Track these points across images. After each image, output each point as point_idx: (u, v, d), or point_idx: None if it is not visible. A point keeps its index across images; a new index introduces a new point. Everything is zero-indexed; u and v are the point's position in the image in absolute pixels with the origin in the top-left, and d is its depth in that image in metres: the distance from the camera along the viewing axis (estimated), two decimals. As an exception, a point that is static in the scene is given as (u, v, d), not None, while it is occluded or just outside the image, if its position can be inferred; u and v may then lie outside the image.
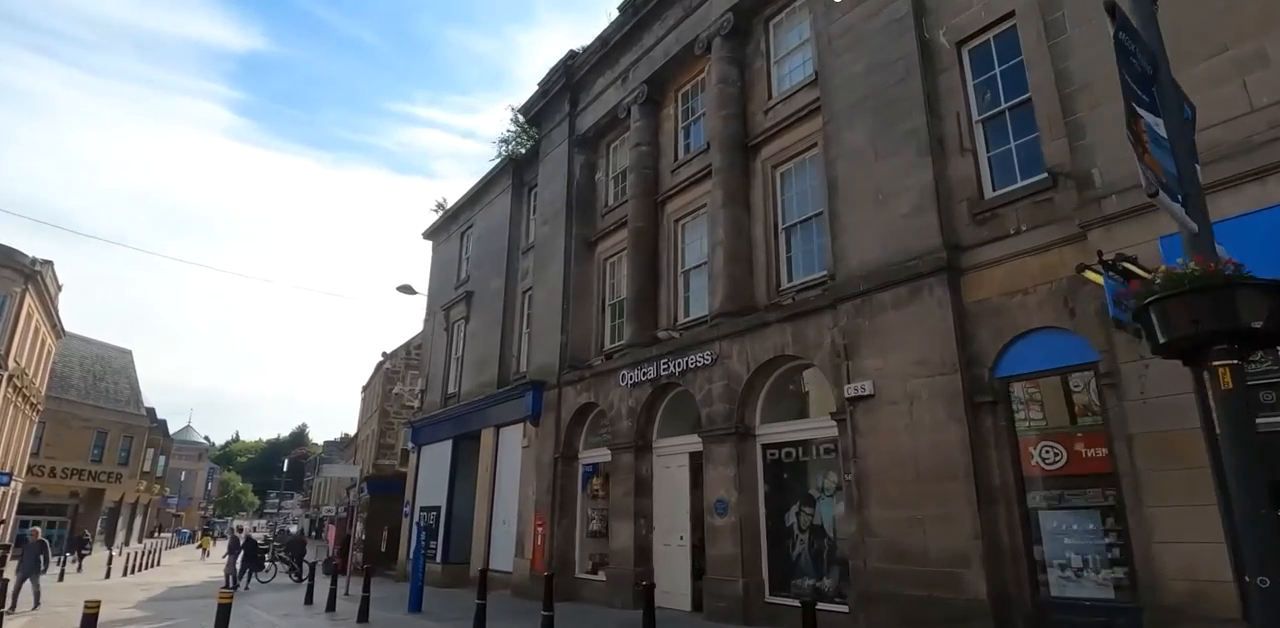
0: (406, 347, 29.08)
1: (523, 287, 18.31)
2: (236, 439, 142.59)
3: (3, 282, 26.26)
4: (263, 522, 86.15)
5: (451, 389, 20.50)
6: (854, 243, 9.22)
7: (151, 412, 48.07)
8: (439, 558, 18.07)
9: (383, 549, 25.25)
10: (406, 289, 21.38)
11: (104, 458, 40.34)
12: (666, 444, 12.34)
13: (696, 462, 11.57)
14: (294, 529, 41.48)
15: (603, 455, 13.85)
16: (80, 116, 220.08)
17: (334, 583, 13.93)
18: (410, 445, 21.82)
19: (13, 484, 29.61)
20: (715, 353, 11.00)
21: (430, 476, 20.28)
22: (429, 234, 24.18)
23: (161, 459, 54.10)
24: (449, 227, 23.03)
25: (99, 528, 40.55)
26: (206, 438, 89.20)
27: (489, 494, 16.76)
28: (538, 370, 15.64)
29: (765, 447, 10.38)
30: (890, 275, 8.57)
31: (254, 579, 21.29)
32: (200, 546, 46.31)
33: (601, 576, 12.93)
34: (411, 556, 13.07)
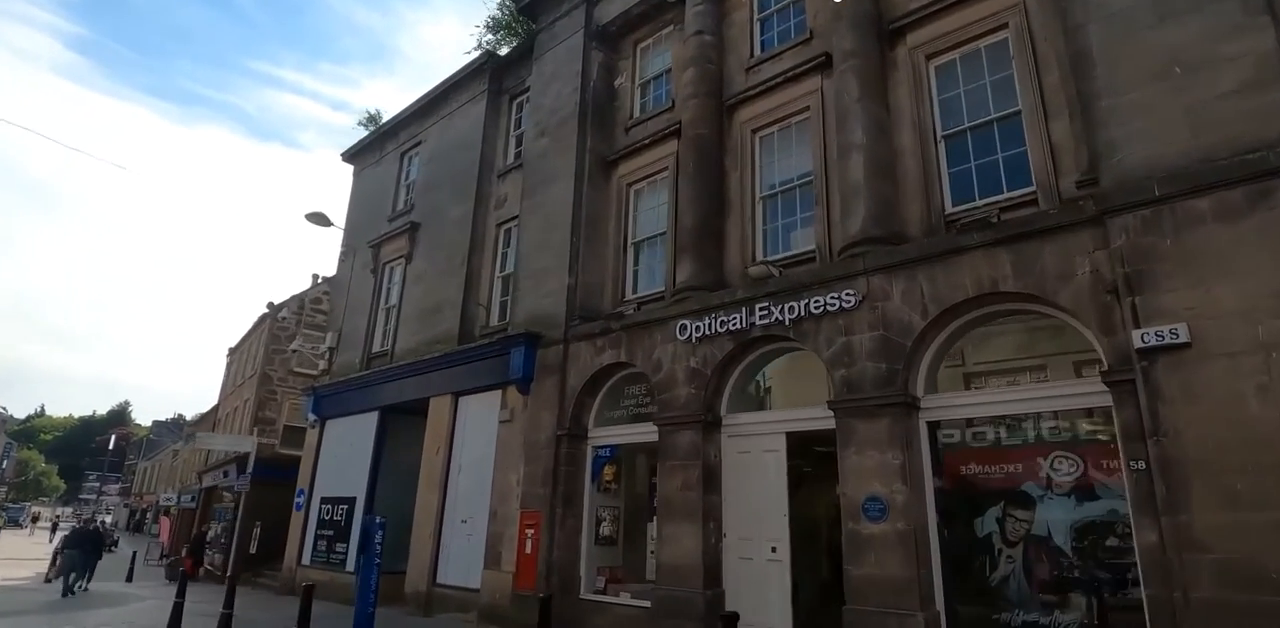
0: (300, 300, 23.77)
1: (497, 217, 14.40)
2: (42, 414, 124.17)
3: None
4: (69, 509, 73.96)
5: (380, 347, 16.11)
6: (1134, 133, 6.41)
7: (-67, 371, 38.62)
8: (350, 566, 13.87)
9: (252, 551, 20.19)
10: (319, 219, 16.57)
11: None
12: (746, 421, 9.07)
13: (797, 445, 8.51)
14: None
15: (629, 434, 10.41)
16: None
17: (228, 604, 9.57)
18: (311, 419, 17.14)
19: None
20: (860, 293, 7.89)
21: (340, 457, 15.85)
22: (351, 155, 19.36)
23: (-58, 430, 43.96)
24: (383, 145, 18.41)
25: None
26: (4, 408, 75.61)
27: (439, 484, 12.77)
28: (530, 321, 11.89)
29: (932, 425, 7.42)
30: (1213, 175, 5.84)
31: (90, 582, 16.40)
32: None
33: (626, 598, 9.49)
34: (360, 566, 9.03)
